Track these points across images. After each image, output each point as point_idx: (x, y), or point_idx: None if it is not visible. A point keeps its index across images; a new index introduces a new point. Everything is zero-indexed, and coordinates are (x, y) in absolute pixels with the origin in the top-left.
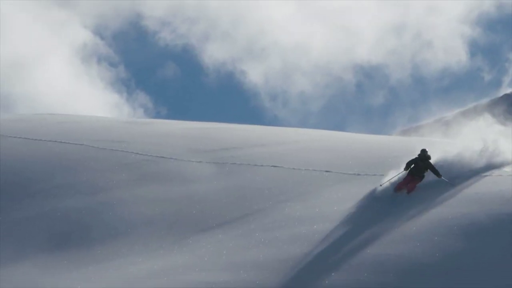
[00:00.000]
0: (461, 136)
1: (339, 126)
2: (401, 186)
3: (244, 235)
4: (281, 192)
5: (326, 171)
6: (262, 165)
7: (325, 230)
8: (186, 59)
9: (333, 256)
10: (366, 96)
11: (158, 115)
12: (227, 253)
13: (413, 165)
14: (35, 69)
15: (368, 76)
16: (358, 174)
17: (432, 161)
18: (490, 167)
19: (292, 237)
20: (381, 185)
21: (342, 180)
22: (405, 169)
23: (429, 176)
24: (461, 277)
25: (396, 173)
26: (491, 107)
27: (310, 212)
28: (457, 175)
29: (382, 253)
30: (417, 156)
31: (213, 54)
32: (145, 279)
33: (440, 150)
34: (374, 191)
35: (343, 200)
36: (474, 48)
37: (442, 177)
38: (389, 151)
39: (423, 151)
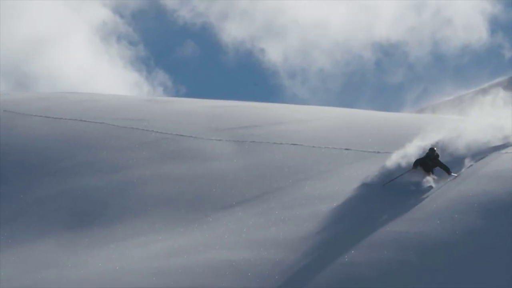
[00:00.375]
0: (477, 114)
1: (358, 103)
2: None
3: (264, 213)
4: (301, 170)
5: (346, 149)
6: (281, 143)
7: (345, 208)
8: (205, 38)
9: (353, 234)
10: (385, 73)
11: (177, 94)
12: (247, 231)
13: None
14: (54, 48)
15: (387, 54)
16: (378, 152)
17: (448, 137)
18: (508, 144)
19: (312, 215)
20: (384, 185)
21: (362, 158)
22: (413, 167)
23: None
24: (481, 254)
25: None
26: (511, 84)
27: (330, 190)
28: (475, 153)
29: (402, 231)
30: (425, 154)
31: (232, 32)
32: (166, 257)
33: (457, 127)
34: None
35: (363, 178)
36: (495, 25)
37: (452, 173)
38: (408, 129)
39: (432, 150)
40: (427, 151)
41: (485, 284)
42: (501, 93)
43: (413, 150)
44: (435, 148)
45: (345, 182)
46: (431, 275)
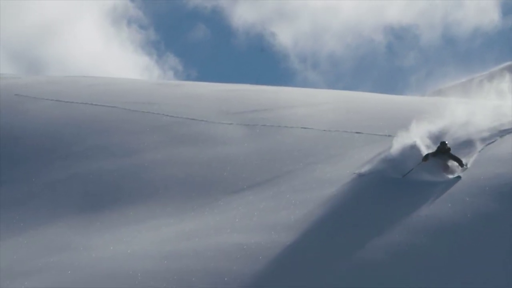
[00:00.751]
0: (487, 97)
1: (369, 87)
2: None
3: (274, 197)
4: (311, 154)
5: (357, 133)
6: (292, 127)
7: (356, 192)
8: (216, 21)
9: (363, 217)
10: (396, 57)
11: (188, 78)
12: (258, 214)
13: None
14: (65, 32)
15: (399, 37)
16: (389, 135)
17: (458, 121)
18: None
19: (322, 199)
20: (403, 176)
21: (373, 142)
22: (423, 161)
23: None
24: (492, 237)
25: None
26: None
27: (341, 174)
28: (485, 137)
29: (413, 214)
30: (437, 148)
31: (243, 15)
32: (177, 240)
33: (467, 111)
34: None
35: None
36: (507, 8)
37: (465, 166)
38: (419, 112)
39: (443, 144)
40: (438, 144)
41: (497, 266)
42: (508, 76)
43: (420, 135)
44: (446, 142)
45: (355, 166)
46: (442, 258)
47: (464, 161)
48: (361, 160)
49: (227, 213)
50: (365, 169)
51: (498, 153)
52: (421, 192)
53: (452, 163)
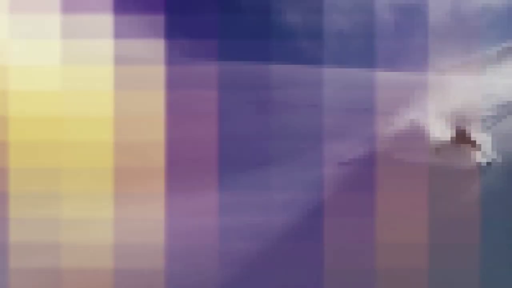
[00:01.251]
0: (497, 74)
1: (378, 65)
2: None
3: (283, 175)
4: (320, 132)
5: (366, 110)
6: (300, 105)
7: (366, 170)
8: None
9: (374, 195)
10: (405, 34)
11: (197, 56)
12: (266, 192)
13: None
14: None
15: (407, 15)
16: (398, 113)
17: (469, 98)
18: None
19: (332, 177)
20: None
21: (382, 119)
22: (437, 149)
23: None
24: (503, 213)
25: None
26: None
27: (350, 152)
28: (496, 114)
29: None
30: (455, 134)
31: None
32: (185, 217)
33: (477, 88)
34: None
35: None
36: None
37: (481, 148)
38: (428, 90)
39: (460, 129)
40: (456, 130)
41: (505, 245)
42: None
43: (428, 113)
44: (463, 127)
45: (365, 143)
46: (451, 236)
47: (477, 141)
48: (371, 137)
49: (235, 191)
50: (361, 150)
51: (508, 130)
52: (429, 171)
53: (470, 147)
